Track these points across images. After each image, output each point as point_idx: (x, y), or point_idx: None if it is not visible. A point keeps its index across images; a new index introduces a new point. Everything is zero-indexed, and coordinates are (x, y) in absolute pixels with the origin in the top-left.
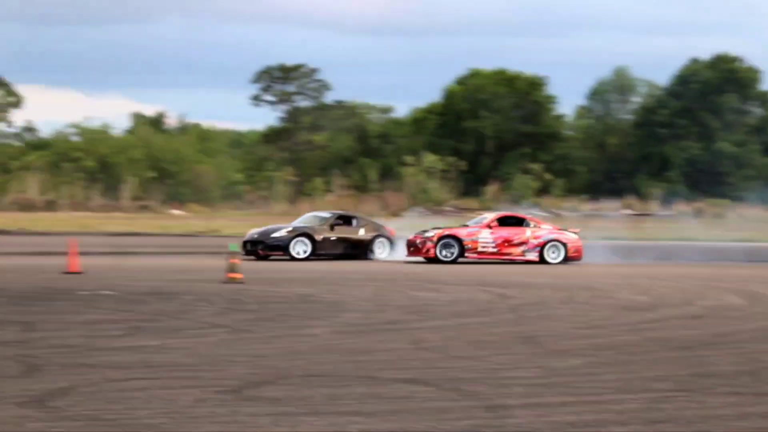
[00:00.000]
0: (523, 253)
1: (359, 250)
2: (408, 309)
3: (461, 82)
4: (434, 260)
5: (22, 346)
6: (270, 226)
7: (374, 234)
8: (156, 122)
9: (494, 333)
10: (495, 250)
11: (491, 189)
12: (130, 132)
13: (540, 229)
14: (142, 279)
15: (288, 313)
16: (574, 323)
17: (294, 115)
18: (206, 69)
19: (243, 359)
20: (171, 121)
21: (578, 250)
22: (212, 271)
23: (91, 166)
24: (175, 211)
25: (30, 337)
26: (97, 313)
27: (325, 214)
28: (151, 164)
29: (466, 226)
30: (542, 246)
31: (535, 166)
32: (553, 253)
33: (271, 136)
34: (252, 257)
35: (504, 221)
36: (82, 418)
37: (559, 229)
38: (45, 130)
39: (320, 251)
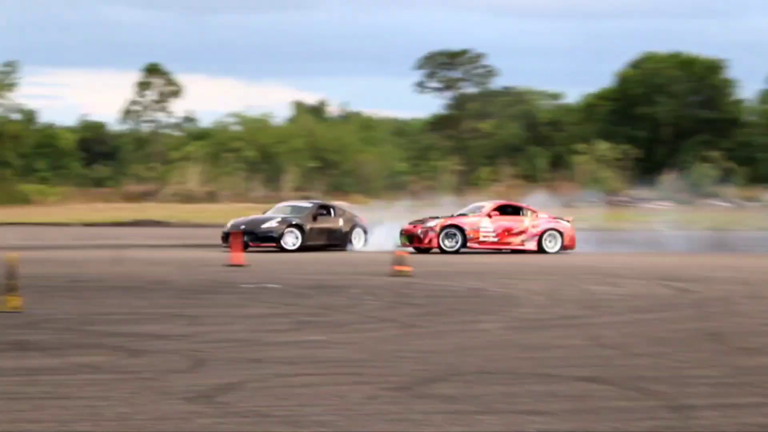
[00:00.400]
0: (522, 243)
1: (340, 240)
2: (583, 303)
3: (635, 66)
4: (424, 250)
5: (188, 340)
6: (254, 217)
7: (351, 224)
8: (317, 110)
9: (676, 329)
10: (496, 239)
11: (667, 178)
12: (292, 121)
13: (537, 218)
14: (306, 272)
15: (458, 308)
16: (761, 319)
17: (460, 102)
18: (368, 55)
19: (412, 355)
20: (333, 109)
21: (572, 239)
22: (378, 264)
23: (252, 156)
24: (338, 203)
25: (196, 331)
26: (262, 306)
27: (305, 204)
28: (312, 154)
29: (464, 215)
30: (540, 235)
31: (715, 154)
32: (551, 242)
33: (436, 124)
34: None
35: (502, 210)
36: (250, 415)
37: (555, 218)
38: (205, 120)
39: (309, 242)
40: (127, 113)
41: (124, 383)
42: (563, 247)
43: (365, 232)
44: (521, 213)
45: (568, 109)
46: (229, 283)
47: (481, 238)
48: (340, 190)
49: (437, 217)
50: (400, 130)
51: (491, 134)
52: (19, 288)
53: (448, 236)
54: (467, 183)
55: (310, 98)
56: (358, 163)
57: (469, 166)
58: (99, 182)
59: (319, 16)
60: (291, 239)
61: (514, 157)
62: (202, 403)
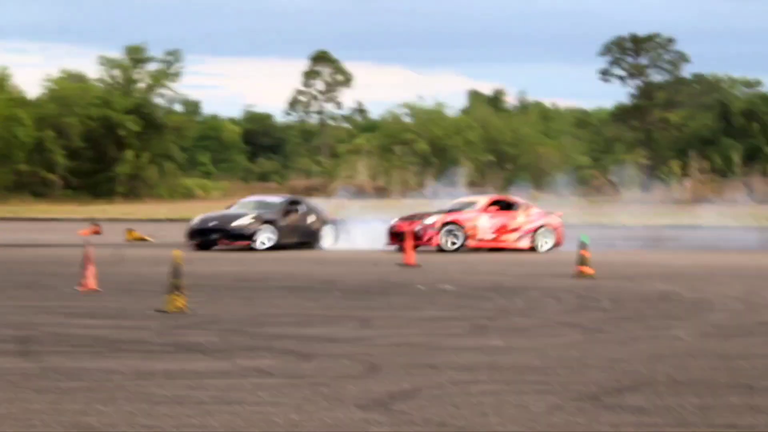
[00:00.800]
0: (518, 240)
1: (311, 238)
2: None
3: None
4: (400, 248)
5: (360, 343)
6: (224, 212)
7: (322, 221)
8: (493, 100)
9: None
10: (493, 236)
11: None
12: (466, 112)
13: (530, 213)
14: (481, 273)
15: (646, 312)
16: None
17: (647, 90)
18: (548, 41)
19: (599, 363)
20: (510, 99)
21: (562, 236)
22: (558, 264)
23: (423, 148)
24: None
25: (368, 335)
26: (436, 309)
27: (275, 199)
28: (488, 146)
29: (457, 210)
30: (534, 232)
31: None
32: (544, 238)
33: (621, 114)
34: (196, 247)
35: (496, 205)
36: (428, 424)
37: (546, 213)
38: (375, 111)
39: (283, 240)
40: (294, 104)
41: (294, 388)
42: (555, 245)
43: (337, 229)
44: (513, 208)
45: (765, 98)
46: (401, 283)
47: (479, 236)
48: (516, 184)
49: (432, 214)
50: (581, 121)
51: (681, 125)
52: (184, 287)
53: (448, 234)
54: (654, 177)
55: (486, 87)
56: (537, 156)
57: (656, 159)
58: (264, 176)
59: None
60: (264, 237)
61: (705, 150)
62: (377, 410)
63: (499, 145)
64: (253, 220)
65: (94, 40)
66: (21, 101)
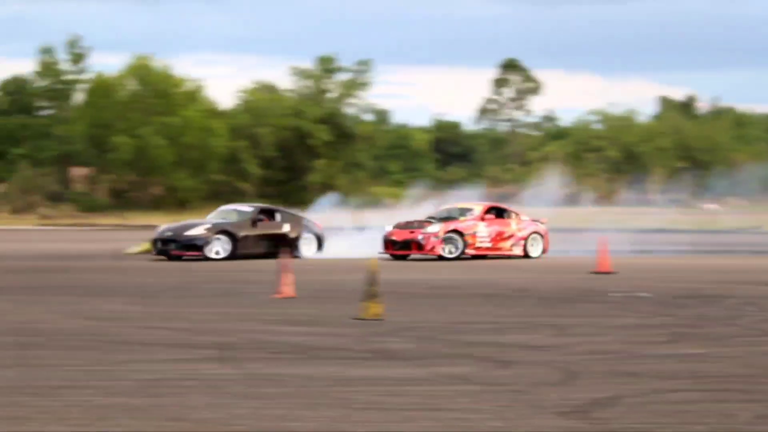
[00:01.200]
0: (511, 248)
1: (287, 247)
2: None
3: None
4: (397, 258)
5: (557, 351)
6: (185, 222)
7: (300, 230)
8: (685, 107)
9: None
10: (490, 245)
11: None
12: (657, 118)
13: (521, 221)
14: (677, 280)
15: None
16: None
17: None
18: (741, 46)
19: None
20: (702, 105)
21: (548, 242)
22: (756, 271)
23: (614, 156)
24: (709, 206)
25: (564, 342)
26: (633, 316)
27: (247, 208)
28: (680, 153)
29: (453, 218)
30: (525, 239)
31: None
32: (533, 245)
33: None
34: (163, 257)
35: (490, 213)
36: None
37: (534, 221)
38: (565, 119)
39: (242, 250)
40: (483, 112)
41: (494, 395)
42: (543, 251)
43: (319, 238)
44: (506, 215)
45: None
46: (596, 291)
47: (477, 244)
48: (710, 192)
49: (432, 222)
50: None
51: None
52: (380, 295)
53: (448, 242)
54: None
55: (677, 93)
56: (731, 163)
57: None
58: (453, 184)
59: (684, 4)
60: (218, 247)
61: None
62: (578, 418)
63: (692, 152)
64: (206, 231)
65: (284, 51)
66: (214, 112)
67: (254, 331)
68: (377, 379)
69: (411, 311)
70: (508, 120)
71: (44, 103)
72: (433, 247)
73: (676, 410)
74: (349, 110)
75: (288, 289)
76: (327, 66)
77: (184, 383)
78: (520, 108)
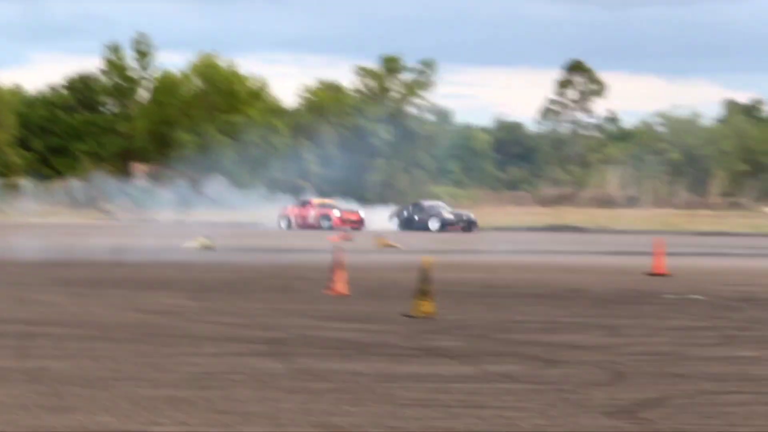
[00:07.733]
0: None
1: None
2: None
3: None
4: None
5: (607, 351)
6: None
7: None
8: (750, 110)
9: None
10: None
11: None
12: (722, 121)
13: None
14: (732, 283)
15: None
16: None
17: None
18: None
19: None
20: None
21: None
22: None
23: (676, 158)
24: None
25: (615, 342)
26: (685, 318)
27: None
28: (743, 156)
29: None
30: None
31: None
32: None
33: None
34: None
35: None
36: None
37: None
38: (628, 121)
39: None
40: (546, 113)
41: (540, 394)
42: None
43: None
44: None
45: None
46: (650, 292)
47: None
48: None
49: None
50: None
51: None
52: (433, 293)
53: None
54: None
55: (742, 97)
56: None
57: None
58: (513, 185)
59: (751, 6)
60: None
61: None
62: (623, 418)
63: (756, 156)
64: None
65: (347, 51)
66: (277, 110)
67: (304, 326)
68: (424, 376)
69: (463, 310)
70: (571, 121)
71: (108, 100)
72: None
73: (722, 412)
74: (412, 110)
75: (341, 286)
76: (391, 66)
77: (232, 377)
78: (583, 110)
